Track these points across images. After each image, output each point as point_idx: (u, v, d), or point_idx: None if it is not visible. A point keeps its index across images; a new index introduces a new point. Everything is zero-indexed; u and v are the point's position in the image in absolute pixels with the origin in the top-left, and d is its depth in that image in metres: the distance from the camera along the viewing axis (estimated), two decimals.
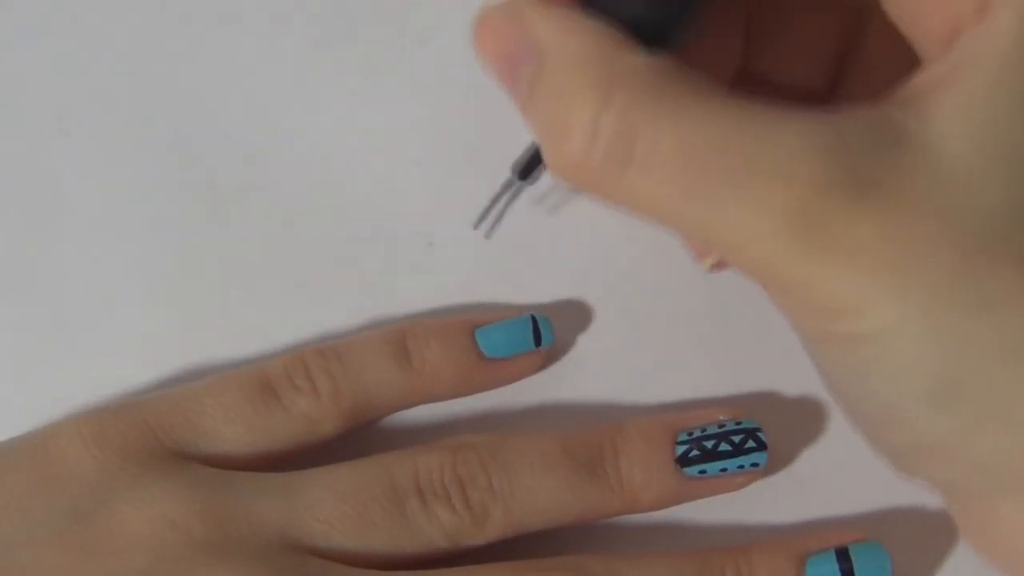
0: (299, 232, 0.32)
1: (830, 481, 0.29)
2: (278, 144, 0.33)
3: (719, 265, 0.28)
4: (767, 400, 0.30)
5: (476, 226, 0.28)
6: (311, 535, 0.26)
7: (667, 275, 0.31)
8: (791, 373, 0.30)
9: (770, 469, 0.28)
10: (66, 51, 0.34)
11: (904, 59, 0.23)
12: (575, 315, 0.31)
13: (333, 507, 0.26)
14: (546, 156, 0.22)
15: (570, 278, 0.32)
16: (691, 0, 0.22)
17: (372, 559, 0.26)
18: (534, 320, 0.29)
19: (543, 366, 0.30)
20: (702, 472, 0.27)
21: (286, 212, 0.33)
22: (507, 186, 0.27)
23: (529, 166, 0.26)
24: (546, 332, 0.30)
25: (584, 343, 0.31)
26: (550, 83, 0.21)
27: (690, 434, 0.28)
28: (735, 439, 0.28)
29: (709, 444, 0.27)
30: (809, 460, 0.29)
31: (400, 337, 0.29)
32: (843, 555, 0.26)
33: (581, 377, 0.31)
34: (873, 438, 0.23)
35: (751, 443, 0.27)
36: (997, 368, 0.20)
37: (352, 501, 0.26)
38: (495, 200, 0.27)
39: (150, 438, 0.27)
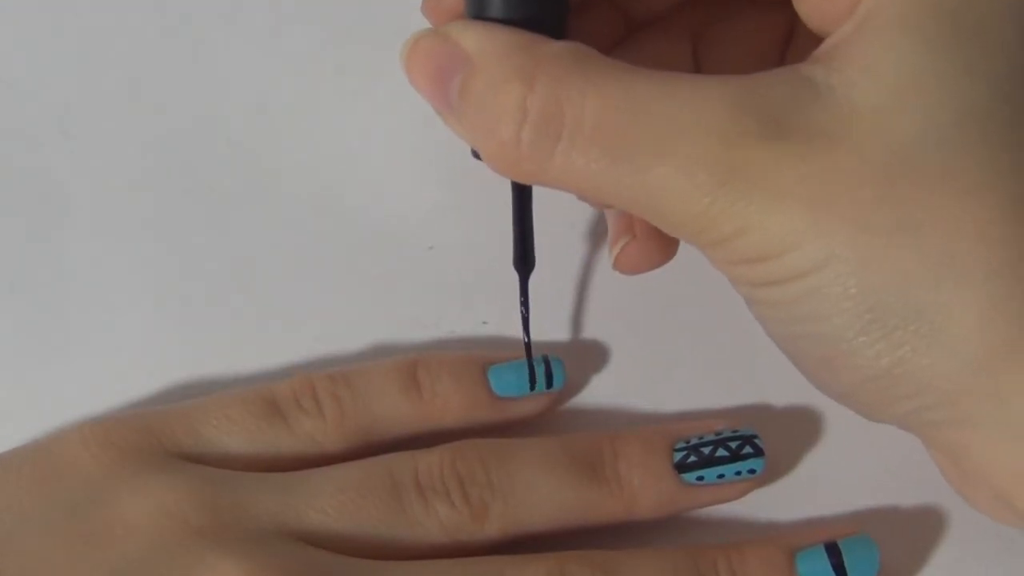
0: (299, 233, 0.32)
1: (822, 487, 0.29)
2: (278, 145, 0.33)
3: (625, 261, 0.28)
4: (762, 411, 0.30)
5: (529, 354, 0.29)
6: (308, 523, 0.26)
7: (665, 286, 0.31)
8: (786, 385, 0.30)
9: (766, 477, 0.28)
10: (67, 52, 0.34)
11: None
12: (571, 328, 0.31)
13: (331, 497, 0.27)
14: (482, 151, 0.24)
15: (569, 280, 0.32)
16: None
17: (369, 550, 0.26)
18: (547, 362, 0.29)
19: (554, 406, 0.30)
20: (700, 479, 0.27)
21: (286, 213, 0.33)
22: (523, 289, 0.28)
23: (523, 255, 0.28)
24: (558, 374, 0.29)
25: (583, 354, 0.31)
26: (478, 82, 0.23)
27: (688, 442, 0.28)
28: (732, 445, 0.28)
29: (706, 450, 0.28)
30: (803, 467, 0.30)
31: (411, 367, 0.29)
32: (833, 549, 0.26)
33: (579, 392, 0.31)
34: (827, 385, 0.24)
35: (748, 449, 0.28)
36: (924, 290, 0.21)
37: (350, 492, 0.27)
38: (524, 309, 0.29)
39: (151, 441, 0.28)
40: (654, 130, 0.22)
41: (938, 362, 0.21)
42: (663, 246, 0.28)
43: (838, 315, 0.21)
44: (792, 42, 0.28)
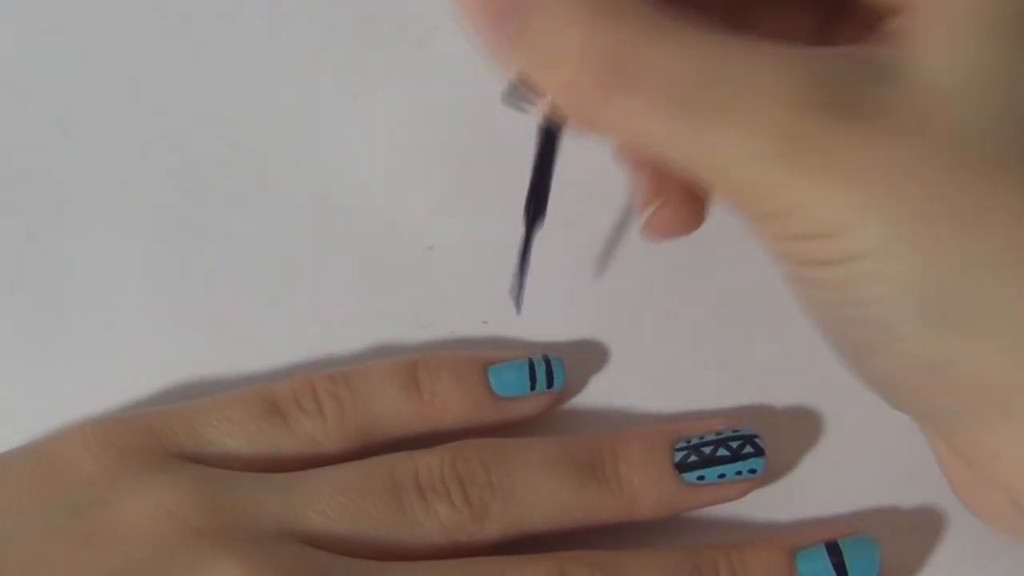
0: (299, 233, 0.32)
1: (823, 487, 0.29)
2: (279, 146, 0.33)
3: (656, 225, 0.27)
4: (762, 411, 0.30)
5: (518, 307, 0.29)
6: (308, 525, 0.26)
7: (666, 287, 0.31)
8: (786, 386, 0.30)
9: (766, 478, 0.28)
10: (67, 52, 0.34)
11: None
12: (571, 328, 0.31)
13: (331, 498, 0.27)
14: (543, 84, 0.23)
15: (568, 280, 0.32)
16: None
17: (369, 551, 0.26)
18: (547, 362, 0.29)
19: (555, 406, 0.30)
20: (700, 478, 0.27)
21: (286, 213, 0.33)
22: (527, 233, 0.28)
23: (535, 203, 0.27)
24: (558, 374, 0.29)
25: (583, 357, 0.31)
26: (542, 17, 0.22)
27: (688, 442, 0.28)
28: (733, 444, 0.28)
29: (707, 450, 0.28)
30: (803, 468, 0.30)
31: (412, 367, 0.29)
32: (833, 548, 0.26)
33: (579, 392, 0.31)
34: (863, 368, 0.24)
35: (749, 449, 0.28)
36: (984, 281, 0.21)
37: (351, 493, 0.27)
38: (522, 258, 0.28)
39: (152, 442, 0.28)
40: (721, 89, 0.21)
41: (988, 355, 0.21)
42: (694, 211, 0.27)
43: (889, 301, 0.21)
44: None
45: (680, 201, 0.27)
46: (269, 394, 0.29)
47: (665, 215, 0.27)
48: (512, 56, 0.23)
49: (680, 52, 0.21)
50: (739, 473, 0.27)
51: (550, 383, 0.29)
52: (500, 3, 0.23)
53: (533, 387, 0.29)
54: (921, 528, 0.29)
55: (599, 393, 0.31)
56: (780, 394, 0.30)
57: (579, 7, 0.22)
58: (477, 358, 0.29)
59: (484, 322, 0.31)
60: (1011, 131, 0.21)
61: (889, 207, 0.21)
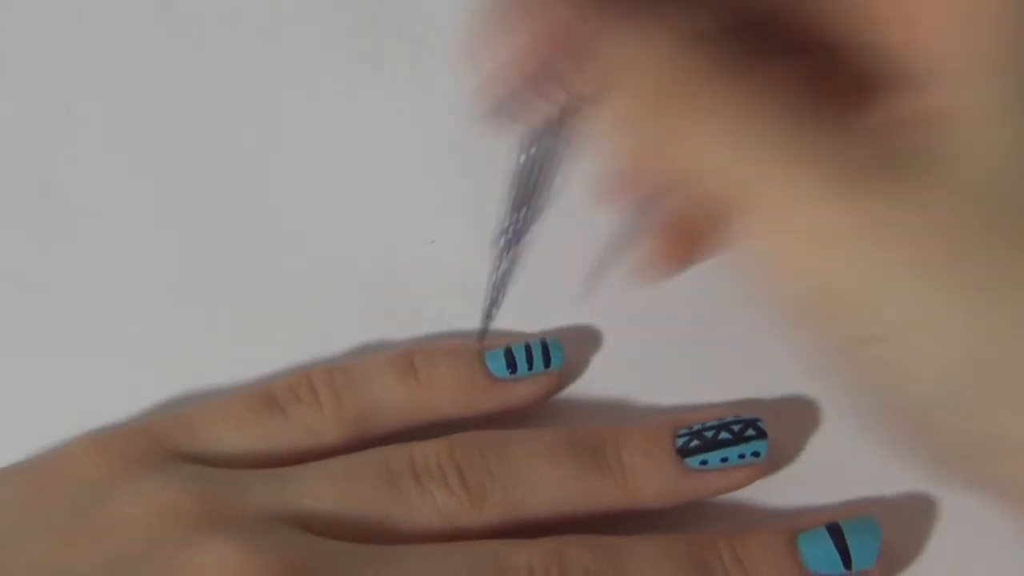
0: (300, 230, 0.33)
1: (824, 479, 0.29)
2: (280, 144, 0.33)
3: (641, 268, 0.28)
4: (763, 404, 0.30)
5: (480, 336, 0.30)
6: (303, 510, 0.26)
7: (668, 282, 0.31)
8: (786, 379, 0.30)
9: (768, 468, 0.28)
10: (70, 52, 0.35)
11: None
12: (572, 320, 0.32)
13: (326, 486, 0.27)
14: (617, 94, 0.22)
15: (569, 277, 0.32)
16: None
17: (365, 537, 0.26)
18: (544, 343, 0.29)
19: (553, 391, 0.30)
20: (703, 463, 0.27)
21: (287, 211, 0.33)
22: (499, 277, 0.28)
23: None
24: (555, 355, 0.29)
25: (583, 349, 0.31)
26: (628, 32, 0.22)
27: (690, 428, 0.28)
28: (735, 428, 0.27)
29: (709, 434, 0.27)
30: (804, 460, 0.30)
31: (408, 355, 0.29)
32: (835, 530, 0.26)
33: (580, 386, 0.31)
34: (922, 448, 0.23)
35: (751, 431, 0.27)
36: (1015, 346, 0.20)
37: (346, 480, 0.27)
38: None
39: (151, 443, 0.28)
40: (790, 132, 0.21)
41: None
42: (683, 254, 0.27)
43: (934, 378, 0.20)
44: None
45: (674, 241, 0.27)
46: (267, 389, 0.29)
47: (655, 254, 0.27)
48: (584, 60, 0.22)
49: (753, 90, 0.21)
50: (742, 456, 0.27)
51: (547, 363, 0.29)
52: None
53: (530, 367, 0.29)
54: (922, 512, 0.28)
55: (599, 386, 0.31)
56: (781, 383, 0.30)
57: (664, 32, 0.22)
58: (473, 343, 0.29)
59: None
60: None
61: (922, 278, 0.20)
